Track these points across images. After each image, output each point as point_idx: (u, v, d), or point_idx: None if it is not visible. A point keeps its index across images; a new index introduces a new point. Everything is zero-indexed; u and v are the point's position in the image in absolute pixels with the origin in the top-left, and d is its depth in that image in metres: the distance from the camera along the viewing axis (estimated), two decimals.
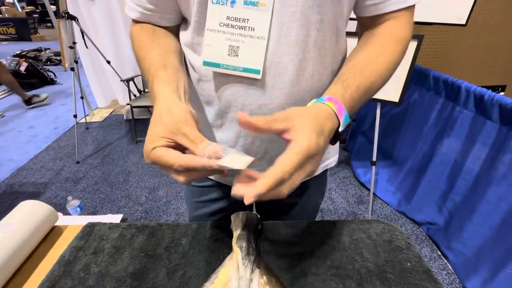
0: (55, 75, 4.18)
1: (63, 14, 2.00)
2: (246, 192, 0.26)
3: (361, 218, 1.58)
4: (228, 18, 0.36)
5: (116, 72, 2.46)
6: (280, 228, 0.45)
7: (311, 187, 0.58)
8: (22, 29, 6.83)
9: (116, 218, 1.49)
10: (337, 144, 0.60)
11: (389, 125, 1.66)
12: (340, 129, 0.34)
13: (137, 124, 2.39)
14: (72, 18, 2.03)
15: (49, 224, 0.45)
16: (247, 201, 0.26)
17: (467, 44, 1.83)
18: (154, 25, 0.44)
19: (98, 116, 2.91)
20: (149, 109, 2.68)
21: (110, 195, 1.75)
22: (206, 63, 0.39)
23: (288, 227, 0.46)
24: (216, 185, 0.57)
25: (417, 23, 1.29)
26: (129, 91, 2.33)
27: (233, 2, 0.36)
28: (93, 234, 0.43)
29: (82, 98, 2.41)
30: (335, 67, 0.44)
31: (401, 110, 1.57)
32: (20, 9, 7.82)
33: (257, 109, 0.41)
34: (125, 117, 2.84)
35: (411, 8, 0.40)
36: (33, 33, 6.97)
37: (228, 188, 0.56)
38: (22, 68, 3.63)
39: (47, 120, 2.85)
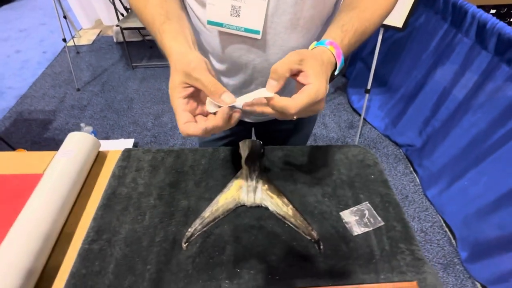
0: None
1: None
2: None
3: (348, 143, 1.76)
4: None
5: None
6: (278, 152, 0.57)
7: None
8: None
9: (128, 143, 1.64)
10: None
11: (390, 52, 1.64)
12: (336, 73, 0.37)
13: (129, 48, 2.29)
14: None
15: (96, 150, 0.57)
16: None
17: None
18: None
19: (85, 39, 2.73)
20: (140, 31, 2.51)
21: (118, 121, 1.86)
22: (210, 22, 0.42)
23: (284, 151, 0.58)
24: None
25: None
26: (115, 9, 2.13)
27: None
28: (131, 157, 0.55)
29: (65, 17, 2.22)
30: (324, 18, 0.46)
31: (403, 36, 1.53)
32: None
33: (260, 64, 0.46)
34: (115, 39, 2.68)
35: None
36: None
37: None
38: None
39: (32, 43, 2.69)
